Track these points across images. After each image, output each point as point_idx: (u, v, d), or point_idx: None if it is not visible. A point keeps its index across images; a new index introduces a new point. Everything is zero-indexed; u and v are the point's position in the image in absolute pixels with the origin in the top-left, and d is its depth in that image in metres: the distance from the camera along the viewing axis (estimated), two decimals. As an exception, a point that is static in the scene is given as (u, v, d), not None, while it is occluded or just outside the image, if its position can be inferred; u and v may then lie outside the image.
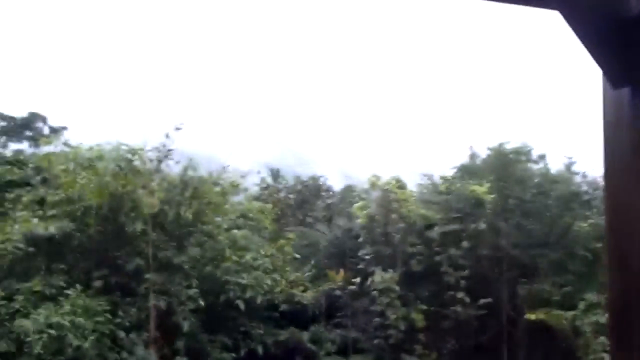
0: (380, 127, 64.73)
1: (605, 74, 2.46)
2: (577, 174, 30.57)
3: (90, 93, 51.53)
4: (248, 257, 24.28)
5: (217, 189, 24.56)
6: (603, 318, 22.39)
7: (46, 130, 45.98)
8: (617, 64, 2.39)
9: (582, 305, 24.64)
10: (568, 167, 31.08)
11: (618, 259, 2.46)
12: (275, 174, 42.24)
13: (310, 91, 66.59)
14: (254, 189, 36.23)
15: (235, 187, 25.92)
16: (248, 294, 22.87)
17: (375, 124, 64.73)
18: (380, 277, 25.79)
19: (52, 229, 21.21)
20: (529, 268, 28.12)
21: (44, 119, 47.04)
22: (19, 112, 45.67)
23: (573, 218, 28.20)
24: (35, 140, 39.02)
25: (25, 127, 47.37)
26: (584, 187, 29.95)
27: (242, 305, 22.78)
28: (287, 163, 54.01)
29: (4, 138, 47.33)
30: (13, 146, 45.26)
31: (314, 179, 41.10)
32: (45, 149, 26.70)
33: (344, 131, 63.18)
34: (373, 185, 28.73)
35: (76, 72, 53.26)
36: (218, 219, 24.76)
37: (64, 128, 44.70)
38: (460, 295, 25.74)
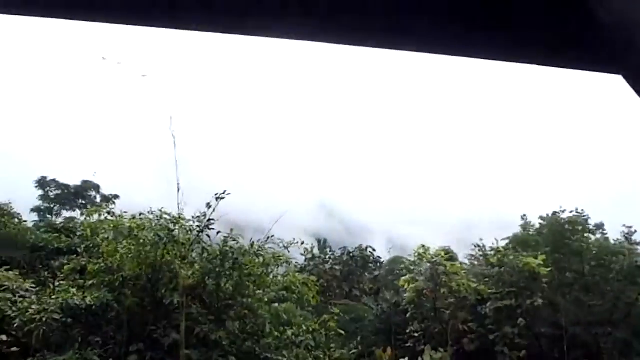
0: (430, 194, 63.74)
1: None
2: (638, 244, 29.14)
3: (148, 161, 52.82)
4: (289, 332, 23.22)
5: (259, 260, 23.82)
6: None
7: (99, 199, 46.93)
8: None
9: (654, 391, 22.51)
10: (627, 237, 29.57)
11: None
12: (322, 245, 41.40)
13: (360, 160, 66.54)
14: (300, 259, 35.46)
15: (277, 259, 25.13)
16: (288, 374, 21.72)
17: (426, 191, 63.77)
18: (430, 356, 24.23)
19: (90, 299, 20.89)
20: (592, 348, 26.16)
21: (96, 188, 48.11)
22: (75, 180, 47.00)
23: (638, 293, 26.39)
24: (87, 208, 39.71)
25: (78, 195, 48.49)
26: (648, 259, 28.25)
27: (282, 385, 21.61)
28: (335, 231, 53.29)
29: (57, 206, 48.50)
30: (66, 214, 46.31)
31: (361, 249, 40.06)
32: (95, 217, 26.86)
33: (394, 198, 62.35)
34: (421, 256, 27.51)
35: (135, 140, 54.90)
36: (259, 291, 23.92)
37: (116, 196, 45.57)
38: (517, 377, 23.96)
